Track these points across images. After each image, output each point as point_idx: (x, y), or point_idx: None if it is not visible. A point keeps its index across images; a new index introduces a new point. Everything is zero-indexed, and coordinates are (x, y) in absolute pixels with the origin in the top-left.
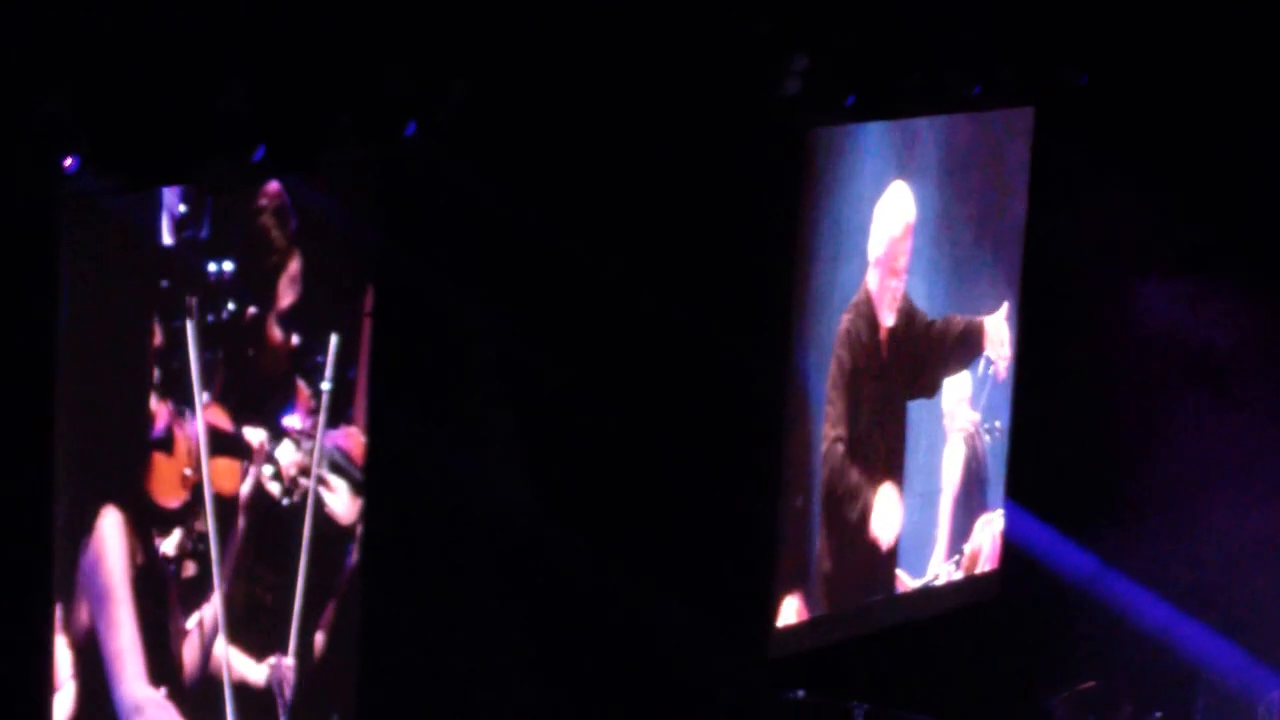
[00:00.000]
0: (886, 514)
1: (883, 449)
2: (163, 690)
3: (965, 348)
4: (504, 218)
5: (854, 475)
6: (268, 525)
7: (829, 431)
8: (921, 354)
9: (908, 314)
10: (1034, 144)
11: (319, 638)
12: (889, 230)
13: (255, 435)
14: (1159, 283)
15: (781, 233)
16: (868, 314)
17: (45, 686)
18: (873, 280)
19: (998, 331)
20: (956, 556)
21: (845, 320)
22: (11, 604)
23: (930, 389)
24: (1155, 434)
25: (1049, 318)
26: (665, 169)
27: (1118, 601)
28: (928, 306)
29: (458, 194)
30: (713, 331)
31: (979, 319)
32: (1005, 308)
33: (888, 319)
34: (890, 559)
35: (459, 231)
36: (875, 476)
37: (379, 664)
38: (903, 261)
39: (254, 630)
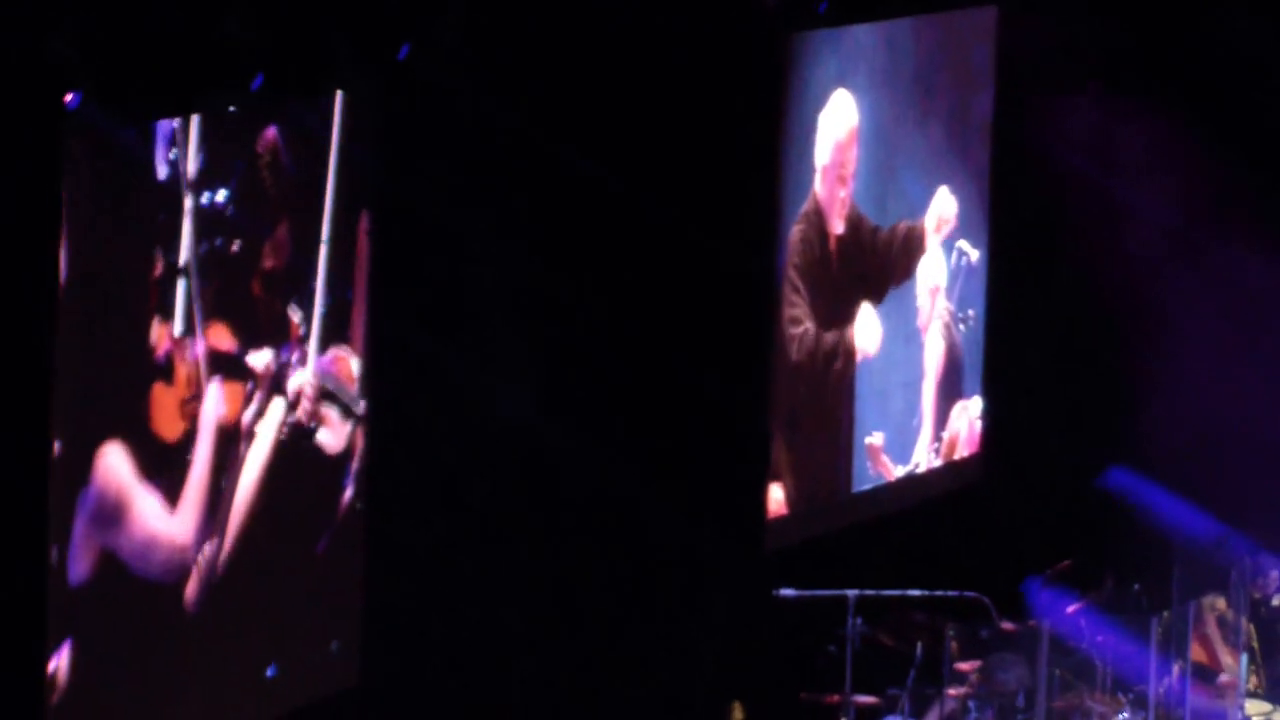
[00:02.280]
0: (862, 404)
1: (842, 355)
2: None
3: (908, 254)
4: (497, 132)
5: (828, 370)
6: (265, 454)
7: (796, 330)
8: (871, 264)
9: (855, 222)
10: (998, 42)
11: (319, 564)
12: (835, 136)
13: (253, 362)
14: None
15: (763, 138)
16: (818, 223)
17: (39, 635)
18: (821, 188)
19: (922, 273)
20: (936, 444)
21: (796, 231)
22: (7, 547)
23: (879, 296)
24: (1130, 315)
25: (1020, 211)
26: (657, 80)
27: (1096, 480)
28: (891, 209)
29: (451, 111)
30: (704, 234)
31: (920, 221)
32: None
33: (837, 227)
34: (874, 451)
35: (453, 149)
36: (840, 378)
37: (382, 590)
38: (850, 169)
39: (250, 562)
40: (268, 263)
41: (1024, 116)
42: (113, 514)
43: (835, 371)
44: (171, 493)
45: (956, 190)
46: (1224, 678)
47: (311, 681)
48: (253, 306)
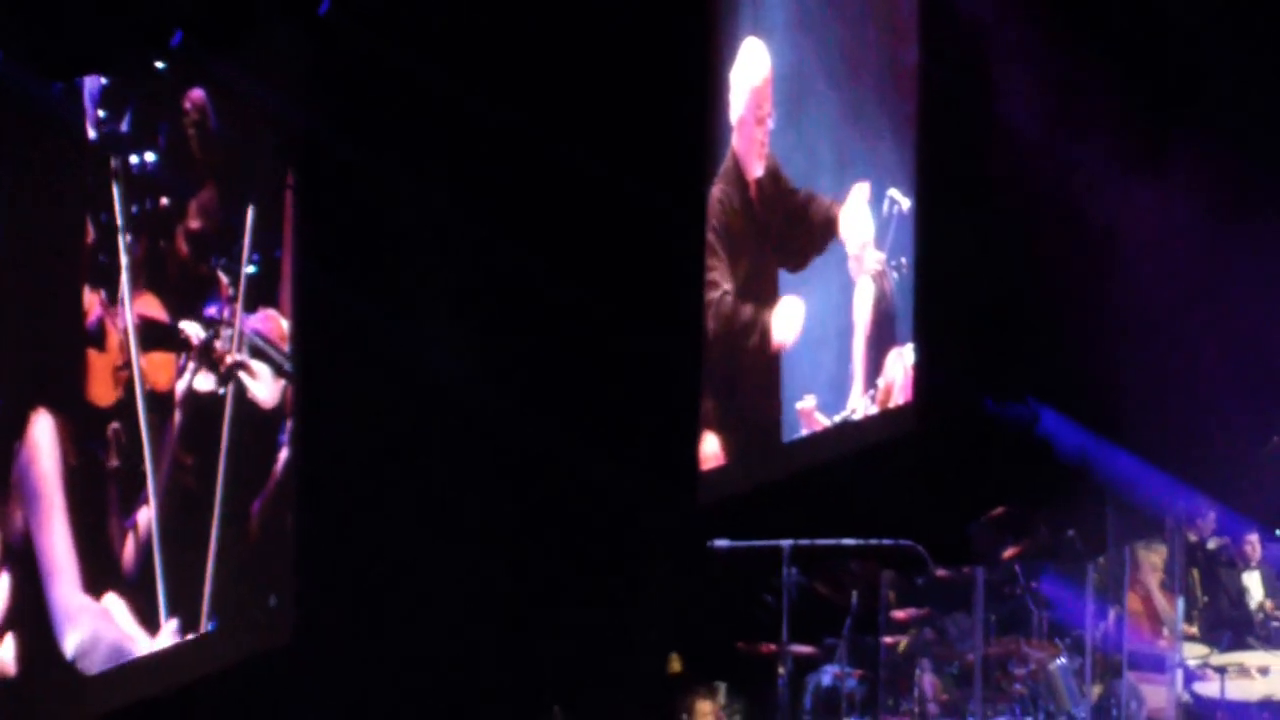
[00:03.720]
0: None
1: (767, 310)
2: (99, 596)
3: (824, 236)
4: (422, 91)
5: (759, 320)
6: (198, 416)
7: (714, 295)
8: (787, 223)
9: (774, 171)
10: None
11: (255, 521)
12: (749, 83)
13: (183, 326)
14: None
15: (684, 95)
16: (736, 176)
17: None
18: (738, 139)
19: (850, 225)
20: (871, 391)
21: (716, 190)
22: None
23: (799, 263)
24: (1063, 261)
25: (950, 158)
26: (584, 34)
27: (1030, 427)
28: (814, 160)
29: (376, 67)
30: (634, 191)
31: (836, 210)
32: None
33: (756, 169)
34: (805, 414)
35: (378, 106)
36: (763, 325)
37: (316, 545)
38: (766, 110)
39: (187, 521)
40: (195, 223)
41: (952, 63)
42: (47, 478)
43: (760, 328)
44: (106, 457)
45: (884, 138)
46: (1160, 622)
47: (250, 636)
48: (182, 267)
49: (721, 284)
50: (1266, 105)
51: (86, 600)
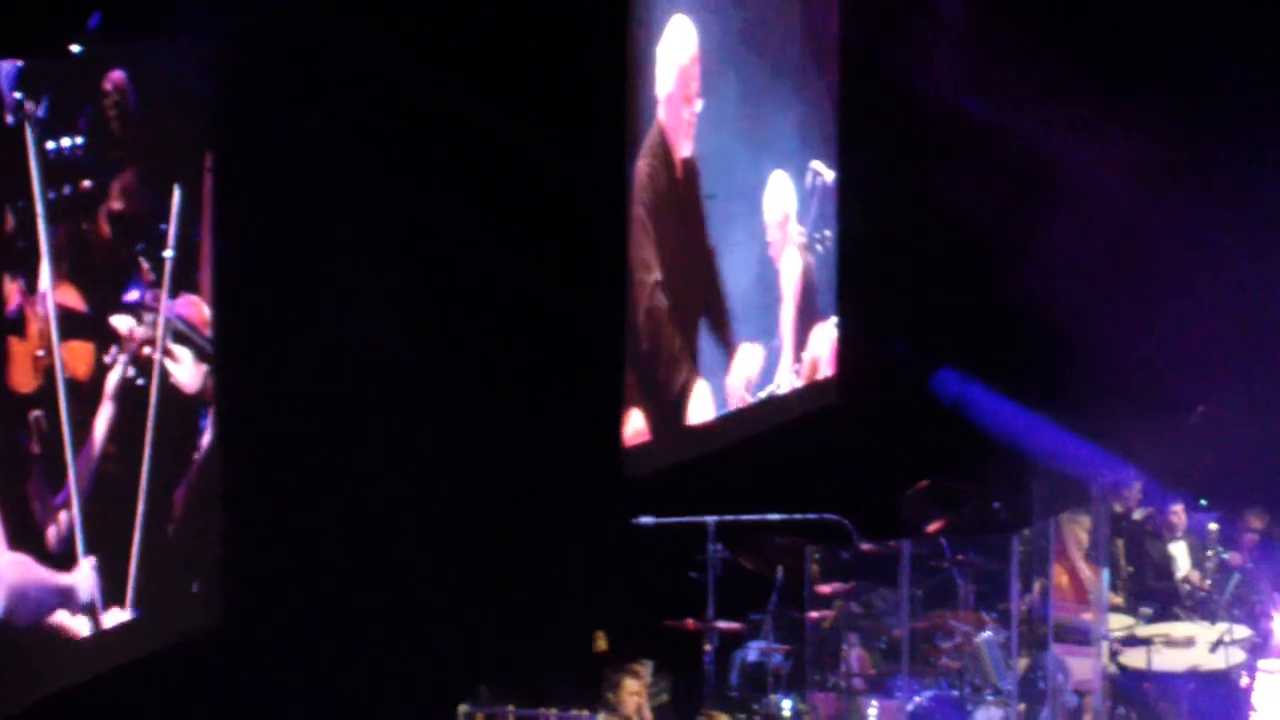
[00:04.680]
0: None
1: (701, 282)
2: (24, 554)
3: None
4: (344, 67)
5: (675, 307)
6: (120, 403)
7: (645, 277)
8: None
9: (702, 146)
10: None
11: (179, 508)
12: (677, 60)
13: (105, 312)
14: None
15: (608, 73)
16: (664, 153)
17: None
18: (666, 115)
19: (772, 199)
20: (798, 365)
21: (643, 165)
22: None
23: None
24: (986, 233)
25: (873, 130)
26: (505, 7)
27: (957, 400)
28: (739, 135)
29: (296, 44)
30: (558, 164)
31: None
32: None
33: (684, 149)
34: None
35: (298, 82)
36: (695, 308)
37: (241, 529)
38: (694, 87)
39: (110, 508)
40: (117, 207)
41: (873, 34)
42: None
43: (685, 308)
44: (28, 445)
45: (807, 111)
46: (1086, 594)
47: (174, 622)
48: (103, 253)
49: (650, 261)
50: (1192, 71)
51: (12, 555)
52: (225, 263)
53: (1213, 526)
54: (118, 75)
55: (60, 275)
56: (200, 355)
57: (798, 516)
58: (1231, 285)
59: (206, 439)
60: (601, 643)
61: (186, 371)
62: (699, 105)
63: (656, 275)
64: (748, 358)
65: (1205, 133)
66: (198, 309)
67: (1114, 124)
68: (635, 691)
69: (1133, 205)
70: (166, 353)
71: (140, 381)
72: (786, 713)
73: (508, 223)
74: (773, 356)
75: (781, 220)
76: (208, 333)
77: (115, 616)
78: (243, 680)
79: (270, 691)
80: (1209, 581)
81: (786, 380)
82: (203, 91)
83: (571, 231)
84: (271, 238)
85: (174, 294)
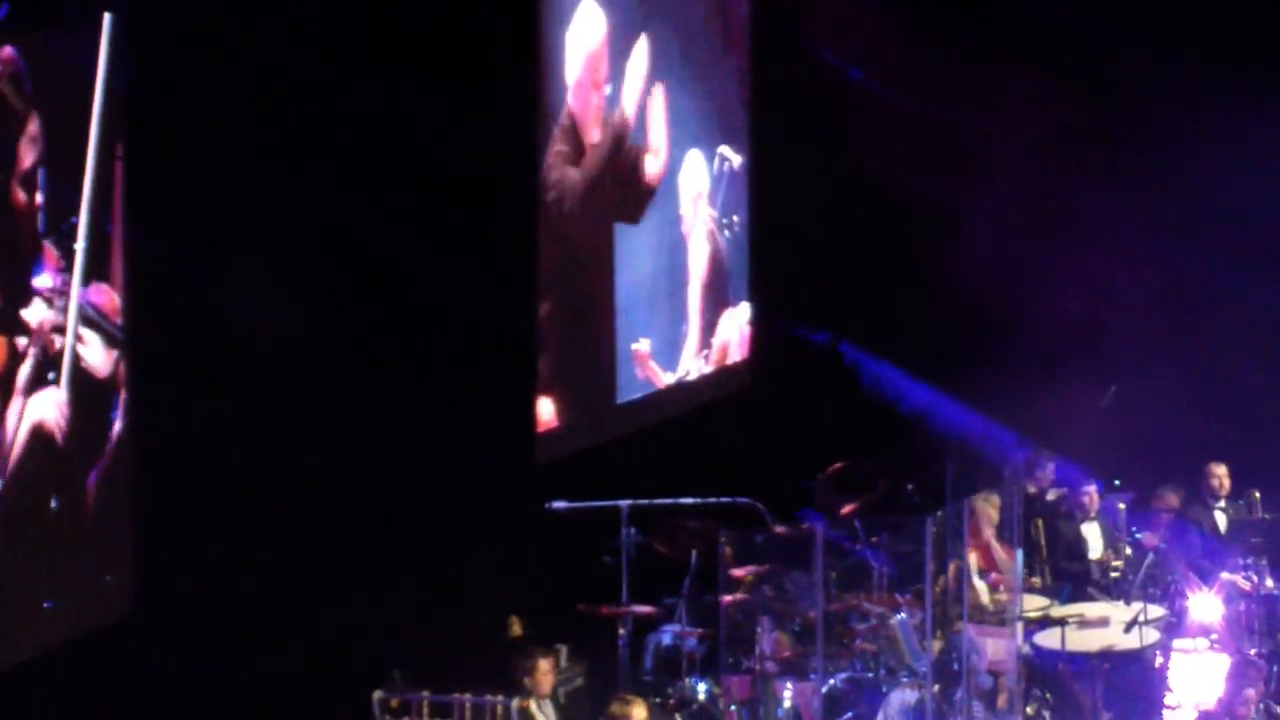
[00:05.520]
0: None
1: (607, 264)
2: None
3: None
4: (250, 50)
5: (591, 282)
6: (32, 392)
7: (555, 262)
8: (621, 183)
9: (613, 130)
10: None
11: (92, 496)
12: (585, 46)
13: (14, 302)
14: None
15: (517, 60)
16: (574, 138)
17: None
18: (575, 101)
19: (683, 183)
20: (706, 350)
21: (553, 151)
22: None
23: (634, 216)
24: (898, 216)
25: (783, 114)
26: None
27: (868, 382)
28: (652, 120)
29: (202, 32)
30: (466, 149)
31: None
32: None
33: (594, 134)
34: (641, 358)
35: (206, 70)
36: (606, 284)
37: (154, 523)
38: (603, 72)
39: (24, 497)
40: (22, 197)
41: (784, 15)
42: None
43: (598, 286)
44: None
45: (716, 94)
46: (999, 575)
47: (87, 613)
48: (9, 241)
49: (559, 244)
50: (1095, 40)
51: None
52: (137, 252)
53: (1123, 507)
54: (21, 64)
55: None
56: (110, 341)
57: (711, 500)
58: (1144, 265)
59: (118, 427)
60: (516, 628)
61: (97, 354)
62: (608, 90)
63: (564, 248)
64: (659, 341)
65: (1118, 109)
66: (109, 296)
67: (1027, 101)
68: (548, 672)
69: (1047, 186)
70: (77, 339)
71: (51, 372)
72: (701, 696)
73: (418, 210)
74: (679, 340)
75: (693, 202)
76: (118, 320)
77: (27, 609)
78: (155, 670)
79: (183, 680)
80: (1122, 562)
81: (695, 365)
82: (112, 80)
83: (481, 219)
84: (182, 227)
85: (84, 282)
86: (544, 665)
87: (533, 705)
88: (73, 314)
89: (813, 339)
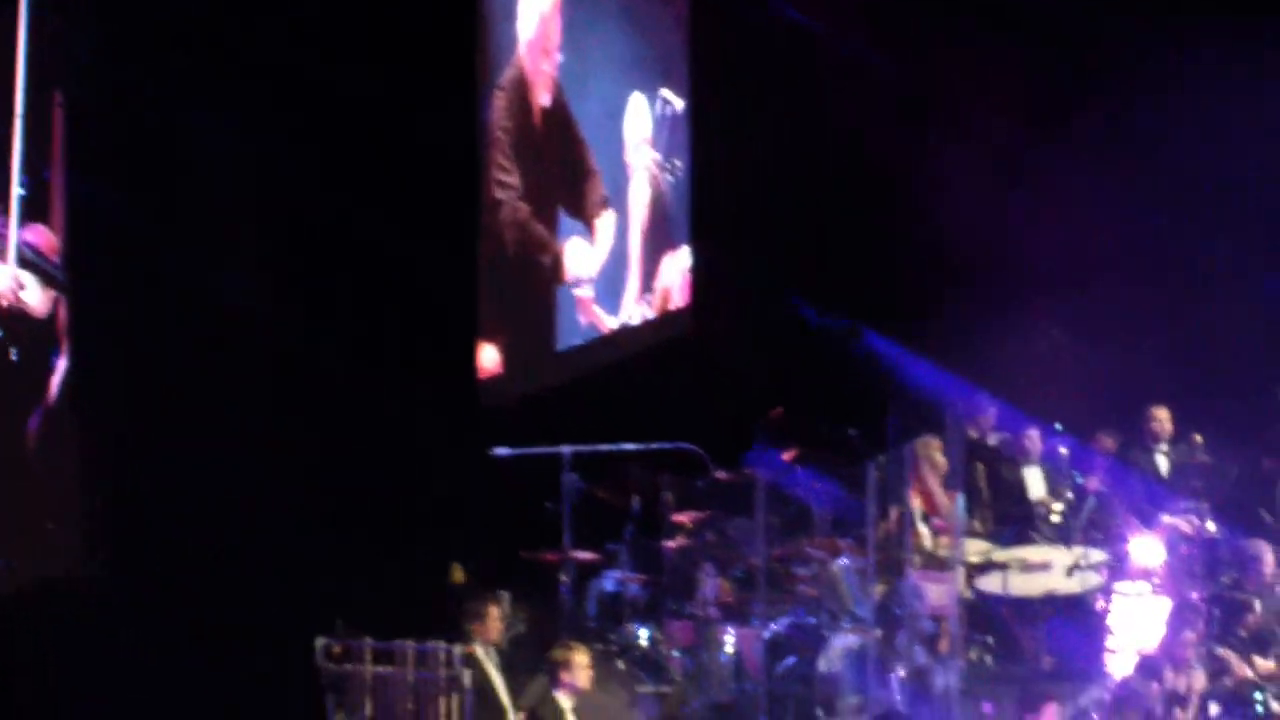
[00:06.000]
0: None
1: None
2: None
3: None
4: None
5: (536, 229)
6: None
7: (502, 194)
8: (568, 167)
9: (559, 97)
10: None
11: (33, 439)
12: (538, 8)
13: None
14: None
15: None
16: (522, 96)
17: None
18: (527, 60)
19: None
20: (647, 294)
21: (501, 97)
22: None
23: (577, 210)
24: (843, 158)
25: (724, 59)
26: None
27: (811, 329)
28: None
29: None
30: (406, 105)
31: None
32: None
33: (543, 98)
34: (584, 304)
35: (147, 22)
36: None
37: (98, 470)
38: (554, 41)
39: None
40: None
41: None
42: None
43: (540, 229)
44: None
45: (658, 38)
46: (941, 520)
47: (31, 563)
48: None
49: (511, 185)
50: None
51: None
52: (76, 197)
53: (1065, 451)
54: None
55: None
56: (48, 281)
57: (653, 446)
58: (1082, 208)
59: (61, 371)
60: (458, 574)
61: (33, 294)
62: (560, 58)
63: (516, 187)
64: (601, 285)
65: (1074, 64)
66: (46, 237)
67: (971, 50)
68: (498, 619)
69: (990, 132)
70: (14, 278)
71: None
72: (643, 642)
73: (357, 158)
74: (620, 283)
75: (637, 145)
76: (56, 259)
77: None
78: (100, 619)
79: (128, 629)
80: (1064, 505)
81: (637, 310)
82: (51, 30)
83: (422, 169)
84: (123, 174)
85: (22, 224)
86: (494, 612)
87: (479, 651)
88: (12, 254)
89: (830, 325)
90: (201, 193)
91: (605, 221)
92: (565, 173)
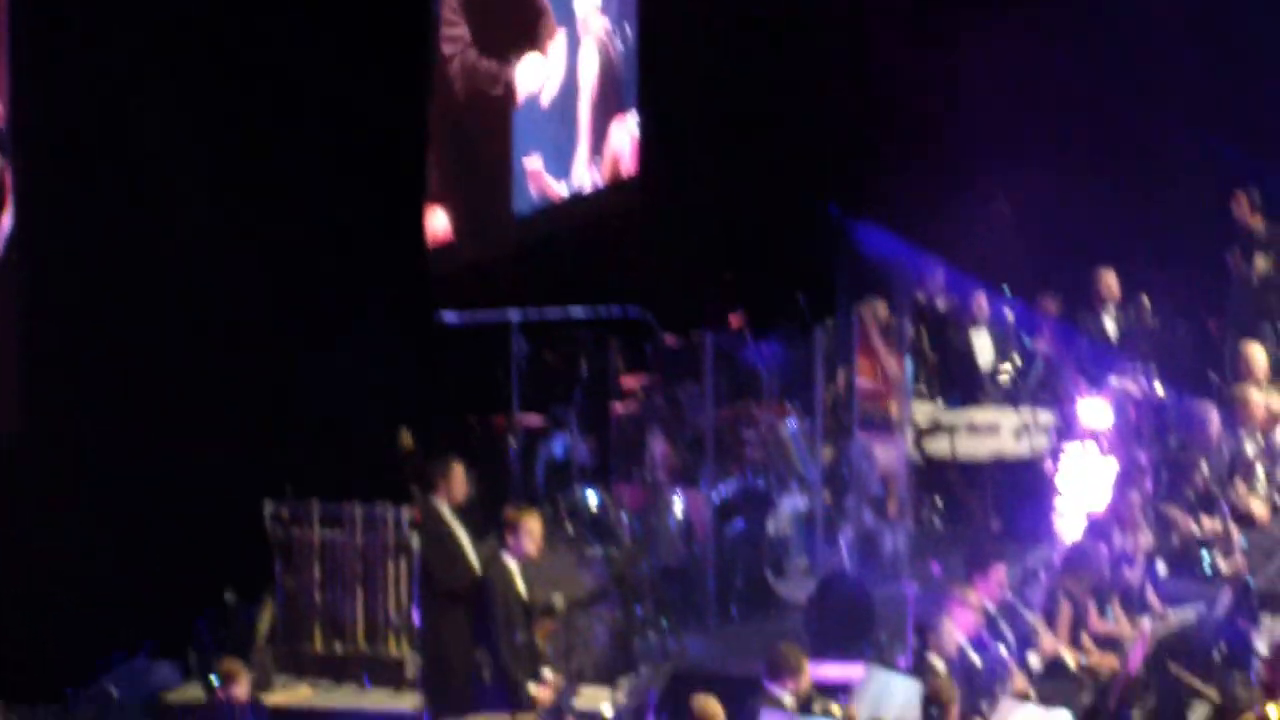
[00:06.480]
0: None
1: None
2: None
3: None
4: None
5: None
6: None
7: (453, 47)
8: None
9: None
10: None
11: None
12: None
13: None
14: None
15: None
16: None
17: None
18: None
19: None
20: (598, 159)
21: None
22: None
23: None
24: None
25: None
26: None
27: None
28: None
29: None
30: None
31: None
32: None
33: None
34: (535, 176)
35: None
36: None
37: (40, 330)
38: None
39: None
40: None
41: None
42: None
43: (488, 63)
44: None
45: None
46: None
47: None
48: None
49: (459, 37)
50: None
51: None
52: (20, 58)
53: (1010, 314)
54: None
55: None
56: None
57: (601, 312)
58: (1030, 73)
59: (5, 227)
60: (406, 440)
61: None
62: None
63: (464, 38)
64: (550, 150)
65: None
66: None
67: None
68: (462, 479)
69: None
70: None
71: None
72: (592, 505)
73: (307, 10)
74: (570, 147)
75: (587, 12)
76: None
77: None
78: (44, 482)
79: (70, 492)
80: (1011, 367)
81: (587, 176)
82: None
83: (370, 25)
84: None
85: None
86: (458, 471)
87: (445, 510)
88: None
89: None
90: (151, 52)
91: (557, 42)
92: (515, 16)
